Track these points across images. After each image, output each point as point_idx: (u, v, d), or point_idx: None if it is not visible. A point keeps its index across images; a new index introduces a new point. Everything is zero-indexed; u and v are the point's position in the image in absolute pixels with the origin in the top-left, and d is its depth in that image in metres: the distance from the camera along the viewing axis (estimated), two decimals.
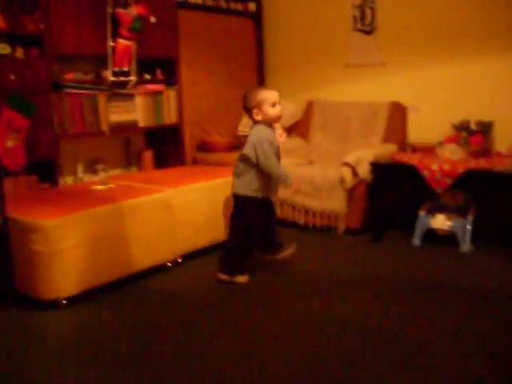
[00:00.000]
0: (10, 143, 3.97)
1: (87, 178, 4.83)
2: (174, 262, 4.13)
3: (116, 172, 5.13)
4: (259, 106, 3.67)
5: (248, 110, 3.75)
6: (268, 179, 3.74)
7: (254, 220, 3.79)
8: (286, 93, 5.96)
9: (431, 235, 4.53)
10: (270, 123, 3.74)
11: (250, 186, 3.74)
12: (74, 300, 3.45)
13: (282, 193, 4.93)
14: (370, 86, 5.59)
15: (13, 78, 4.02)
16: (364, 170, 4.63)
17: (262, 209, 3.81)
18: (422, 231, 4.54)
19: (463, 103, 5.10)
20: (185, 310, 3.38)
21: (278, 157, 3.78)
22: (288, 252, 3.94)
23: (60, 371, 2.72)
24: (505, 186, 4.23)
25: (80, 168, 4.85)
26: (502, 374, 2.55)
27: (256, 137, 3.69)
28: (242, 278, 3.81)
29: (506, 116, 4.92)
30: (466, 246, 4.38)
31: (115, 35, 4.61)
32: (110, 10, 4.55)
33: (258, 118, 3.70)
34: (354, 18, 5.63)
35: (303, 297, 3.54)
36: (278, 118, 3.76)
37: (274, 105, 3.68)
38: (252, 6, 6.14)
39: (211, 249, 4.37)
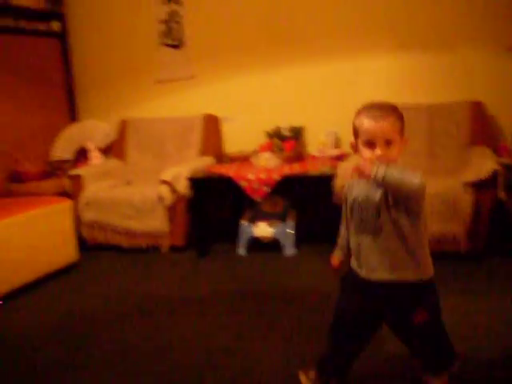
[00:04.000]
0: None
1: None
2: None
3: None
4: (354, 136, 2.15)
5: None
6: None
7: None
8: (99, 112, 5.84)
9: (257, 244, 4.59)
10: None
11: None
12: None
13: (99, 215, 4.81)
14: (182, 101, 5.56)
15: None
16: (182, 186, 4.58)
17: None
18: (247, 240, 4.59)
19: (275, 110, 5.24)
20: None
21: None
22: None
23: None
24: (320, 188, 4.38)
25: None
26: None
27: None
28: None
29: (315, 119, 5.12)
30: (289, 250, 4.50)
31: None
32: None
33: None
34: (162, 32, 5.58)
35: (133, 320, 3.42)
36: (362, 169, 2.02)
37: (369, 144, 2.04)
38: (56, 25, 5.88)
39: (34, 285, 4.11)
